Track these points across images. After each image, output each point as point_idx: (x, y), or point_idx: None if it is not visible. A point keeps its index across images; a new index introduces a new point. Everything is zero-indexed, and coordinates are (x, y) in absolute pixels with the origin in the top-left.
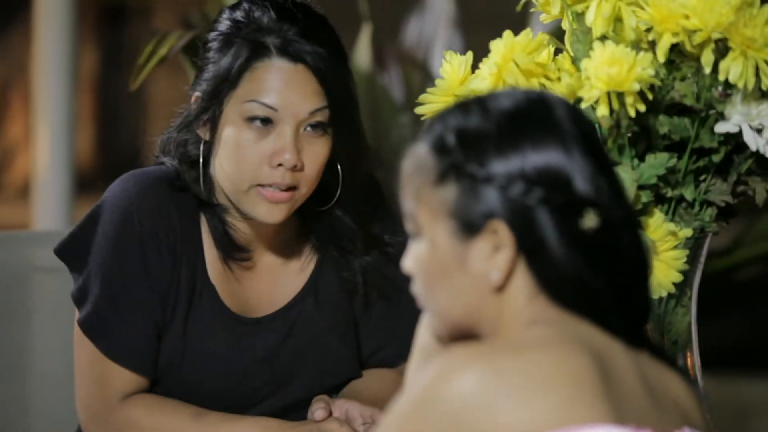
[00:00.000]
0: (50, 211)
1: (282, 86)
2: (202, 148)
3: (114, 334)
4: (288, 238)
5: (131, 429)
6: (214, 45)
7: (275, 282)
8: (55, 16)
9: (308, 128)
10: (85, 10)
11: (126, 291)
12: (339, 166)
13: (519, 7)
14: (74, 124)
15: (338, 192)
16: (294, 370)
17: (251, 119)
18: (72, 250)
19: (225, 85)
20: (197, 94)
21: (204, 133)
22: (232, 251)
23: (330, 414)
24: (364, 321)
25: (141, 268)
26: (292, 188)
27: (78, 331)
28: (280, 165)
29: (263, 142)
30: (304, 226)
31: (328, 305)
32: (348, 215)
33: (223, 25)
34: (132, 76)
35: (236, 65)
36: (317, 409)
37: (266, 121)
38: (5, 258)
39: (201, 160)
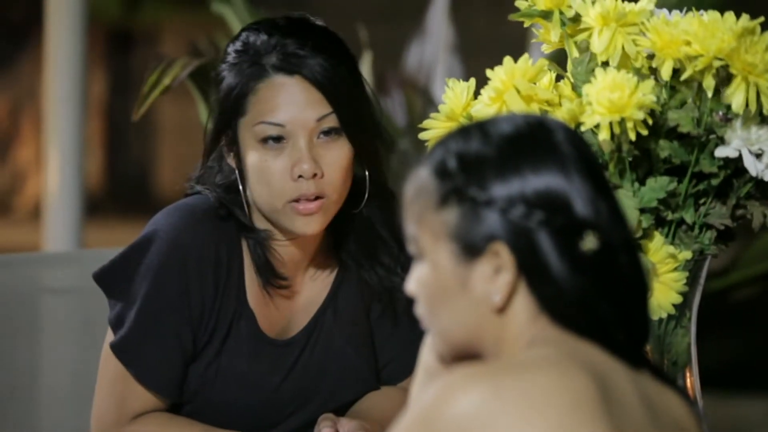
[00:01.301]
0: (60, 233)
1: (284, 101)
2: (238, 175)
3: (143, 359)
4: (318, 254)
5: None
6: (222, 75)
7: (305, 301)
8: (66, 43)
9: (321, 136)
10: (94, 37)
11: (162, 321)
12: (365, 167)
13: (535, 40)
14: (84, 148)
15: (366, 192)
16: (316, 385)
17: (264, 140)
18: (112, 277)
19: (232, 109)
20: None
21: (233, 162)
22: (273, 278)
23: None
24: (378, 334)
25: (181, 301)
26: (319, 197)
27: (106, 350)
28: (300, 177)
29: (281, 159)
30: (329, 240)
31: (345, 318)
32: (376, 225)
33: (230, 56)
34: (136, 104)
35: (238, 89)
36: (324, 428)
37: (279, 139)
38: (15, 279)
39: (241, 187)
